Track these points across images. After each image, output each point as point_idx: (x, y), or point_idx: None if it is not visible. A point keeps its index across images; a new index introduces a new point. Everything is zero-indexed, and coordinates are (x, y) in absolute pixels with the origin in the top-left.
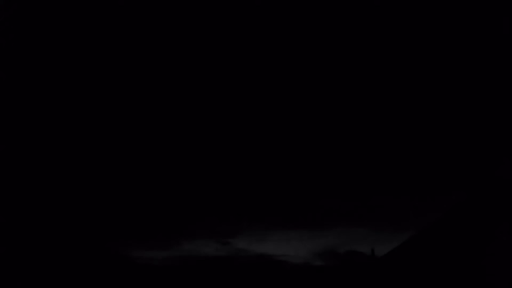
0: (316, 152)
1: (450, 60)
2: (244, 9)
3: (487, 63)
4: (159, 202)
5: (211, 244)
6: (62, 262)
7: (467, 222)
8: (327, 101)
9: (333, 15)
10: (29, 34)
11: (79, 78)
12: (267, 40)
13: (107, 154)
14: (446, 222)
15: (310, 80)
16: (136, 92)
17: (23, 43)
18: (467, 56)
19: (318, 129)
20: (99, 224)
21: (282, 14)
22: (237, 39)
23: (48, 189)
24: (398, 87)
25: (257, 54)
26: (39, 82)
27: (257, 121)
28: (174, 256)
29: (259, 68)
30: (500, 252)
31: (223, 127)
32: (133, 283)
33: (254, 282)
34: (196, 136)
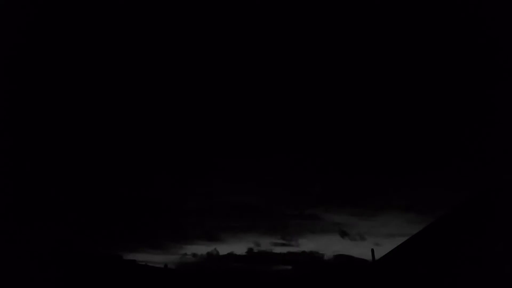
0: (305, 163)
1: (453, 60)
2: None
3: (489, 64)
4: (159, 211)
5: (204, 247)
6: (67, 264)
7: (465, 223)
8: (322, 103)
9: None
10: (30, 34)
11: (74, 82)
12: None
13: (109, 162)
14: (444, 223)
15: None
16: (134, 94)
17: (24, 43)
18: (469, 57)
19: (306, 144)
20: (104, 229)
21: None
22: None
23: (55, 195)
24: (408, 89)
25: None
26: (33, 80)
27: (247, 125)
28: (172, 257)
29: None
30: (498, 253)
31: (216, 137)
32: (135, 283)
33: (253, 281)
34: (192, 147)
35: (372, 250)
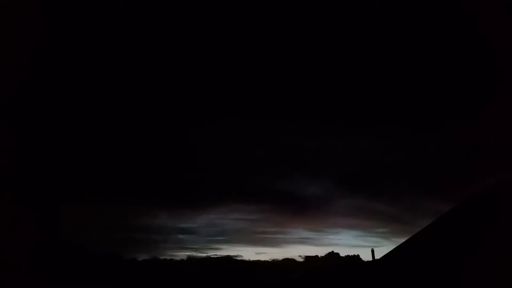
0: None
1: (455, 60)
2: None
3: (489, 63)
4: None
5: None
6: (65, 263)
7: (464, 223)
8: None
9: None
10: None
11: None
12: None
13: (104, 167)
14: (444, 223)
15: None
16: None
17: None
18: (468, 57)
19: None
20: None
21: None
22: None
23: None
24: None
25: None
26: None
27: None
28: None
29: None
30: (497, 253)
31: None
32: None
33: (253, 281)
34: (180, 161)
35: (372, 250)
